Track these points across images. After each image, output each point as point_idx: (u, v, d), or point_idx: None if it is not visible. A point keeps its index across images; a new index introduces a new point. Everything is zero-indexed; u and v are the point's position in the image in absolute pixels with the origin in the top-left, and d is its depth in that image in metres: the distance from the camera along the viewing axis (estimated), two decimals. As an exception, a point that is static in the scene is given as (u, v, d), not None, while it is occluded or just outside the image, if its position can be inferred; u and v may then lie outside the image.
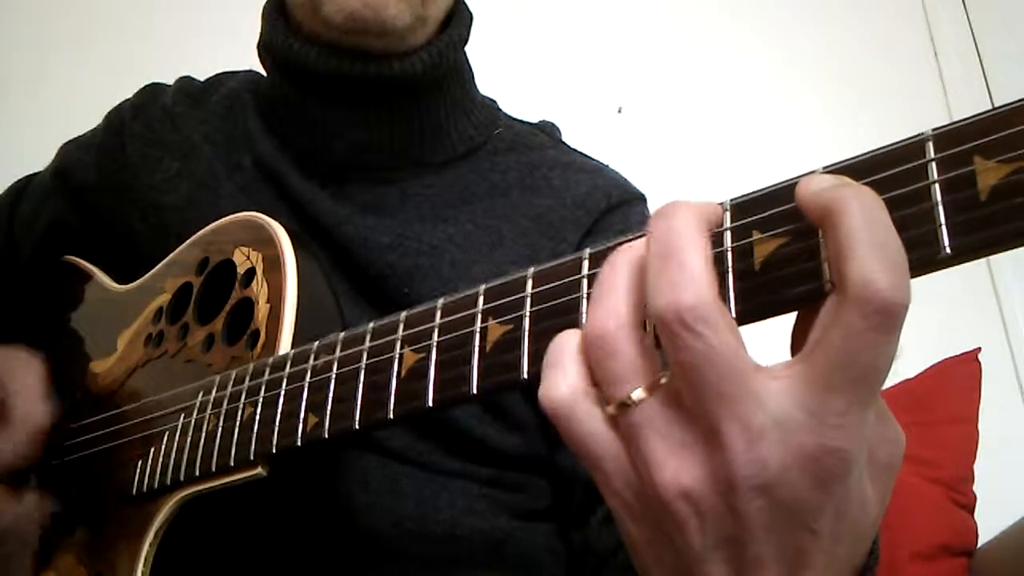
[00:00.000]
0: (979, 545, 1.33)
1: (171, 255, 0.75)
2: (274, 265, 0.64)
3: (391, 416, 0.48)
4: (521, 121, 0.89)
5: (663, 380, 0.35)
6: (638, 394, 0.34)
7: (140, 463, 0.64)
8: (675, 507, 0.34)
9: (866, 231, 0.31)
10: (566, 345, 0.38)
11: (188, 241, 0.74)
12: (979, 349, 1.46)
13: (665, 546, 0.36)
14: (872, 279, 0.30)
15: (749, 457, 0.33)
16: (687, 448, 0.34)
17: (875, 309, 0.30)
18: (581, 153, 0.87)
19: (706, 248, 0.34)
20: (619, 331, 0.35)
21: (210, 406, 0.60)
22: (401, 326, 0.49)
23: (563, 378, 0.37)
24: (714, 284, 0.33)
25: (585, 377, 0.37)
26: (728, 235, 0.37)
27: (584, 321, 0.36)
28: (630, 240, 0.39)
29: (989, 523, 1.34)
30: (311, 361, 0.54)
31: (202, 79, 0.92)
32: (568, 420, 0.36)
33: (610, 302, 0.36)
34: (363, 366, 0.50)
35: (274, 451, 0.54)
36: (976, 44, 2.01)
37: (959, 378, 1.44)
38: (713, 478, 0.34)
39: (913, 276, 0.31)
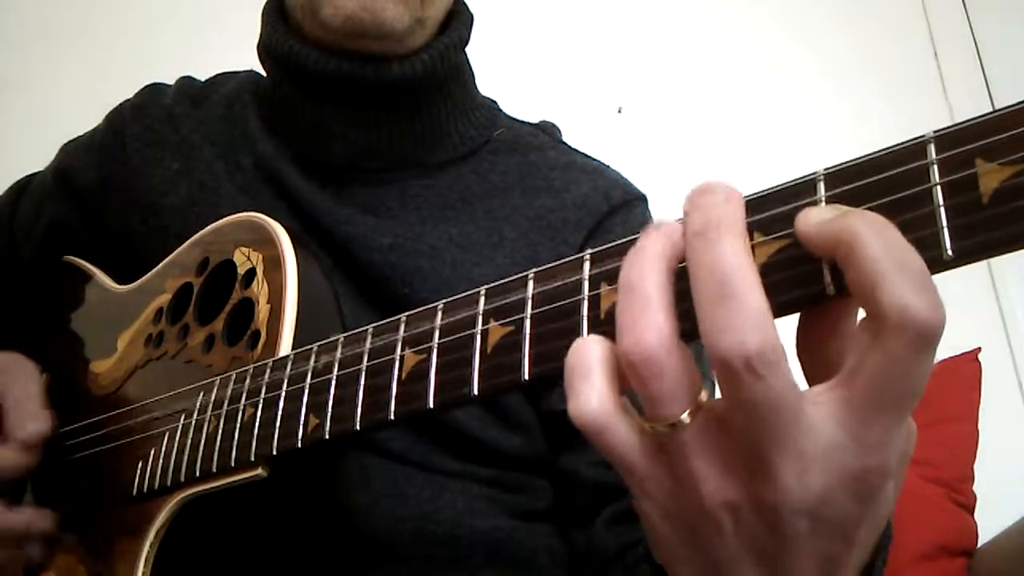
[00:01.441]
0: (979, 545, 1.33)
1: (171, 255, 0.75)
2: (275, 265, 0.64)
3: (392, 417, 0.48)
4: (522, 121, 0.89)
5: (706, 399, 0.34)
6: (687, 416, 0.34)
7: (140, 464, 0.64)
8: (716, 515, 0.34)
9: (888, 256, 0.31)
10: (589, 354, 0.36)
11: (188, 241, 0.74)
12: (979, 349, 1.46)
13: (697, 547, 0.36)
14: (907, 304, 0.30)
15: (798, 487, 0.33)
16: (732, 468, 0.34)
17: (917, 334, 0.30)
18: (582, 153, 0.87)
19: (754, 271, 0.33)
20: (666, 352, 0.34)
21: (210, 407, 0.60)
22: (402, 327, 0.49)
23: (593, 391, 0.36)
24: (773, 321, 0.32)
25: (614, 387, 0.36)
26: None
27: (622, 333, 0.34)
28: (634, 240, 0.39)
29: (989, 523, 1.34)
30: (312, 362, 0.54)
31: (202, 79, 0.92)
32: (601, 434, 0.36)
33: (649, 317, 0.34)
34: (364, 368, 0.50)
35: (275, 452, 0.54)
36: (976, 44, 2.01)
37: (959, 378, 1.44)
38: (758, 499, 0.34)
39: None
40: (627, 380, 0.36)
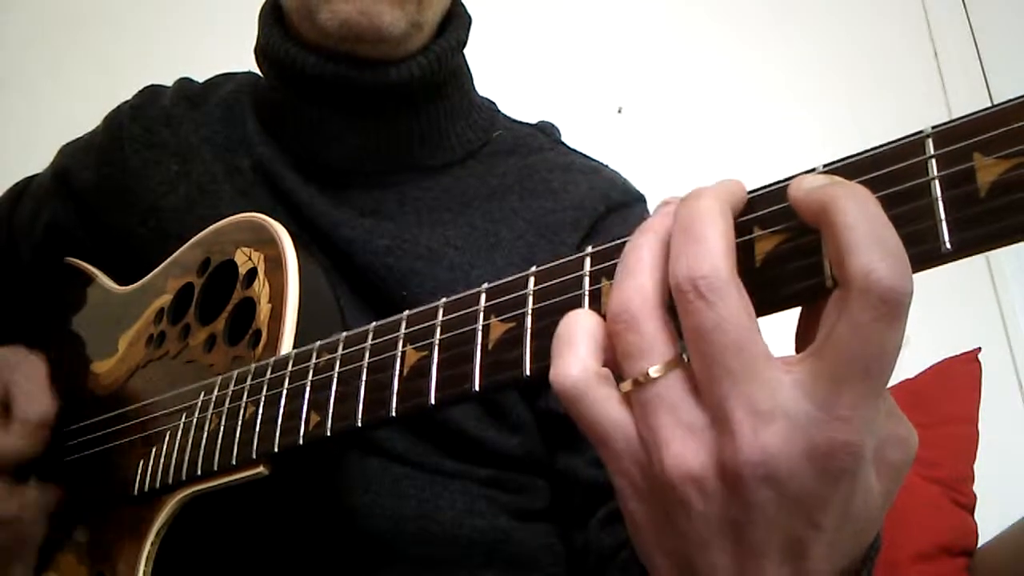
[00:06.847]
0: (979, 545, 1.33)
1: (172, 256, 0.75)
2: (276, 265, 0.64)
3: (393, 414, 0.48)
4: (520, 123, 0.89)
5: (679, 360, 0.35)
6: (655, 370, 0.35)
7: (142, 463, 0.64)
8: (681, 490, 0.35)
9: (862, 225, 0.31)
10: (577, 324, 0.38)
11: (189, 242, 0.74)
12: (979, 349, 1.46)
13: (668, 529, 0.36)
14: (872, 269, 0.31)
15: (755, 443, 0.33)
16: (696, 431, 0.34)
17: (879, 299, 0.31)
18: (581, 154, 0.87)
19: (727, 226, 0.35)
20: (643, 306, 0.35)
21: (212, 406, 0.60)
22: (403, 324, 0.49)
23: (575, 358, 0.37)
24: (732, 259, 0.34)
25: (597, 357, 0.37)
26: None
27: (611, 295, 0.37)
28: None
29: (989, 523, 1.34)
30: (313, 360, 0.54)
31: (201, 80, 0.92)
32: (580, 400, 0.37)
33: (635, 279, 0.36)
34: (365, 364, 0.50)
35: (276, 450, 0.54)
36: (976, 44, 2.01)
37: (959, 378, 1.43)
38: (719, 464, 0.34)
39: (913, 272, 0.32)
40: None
